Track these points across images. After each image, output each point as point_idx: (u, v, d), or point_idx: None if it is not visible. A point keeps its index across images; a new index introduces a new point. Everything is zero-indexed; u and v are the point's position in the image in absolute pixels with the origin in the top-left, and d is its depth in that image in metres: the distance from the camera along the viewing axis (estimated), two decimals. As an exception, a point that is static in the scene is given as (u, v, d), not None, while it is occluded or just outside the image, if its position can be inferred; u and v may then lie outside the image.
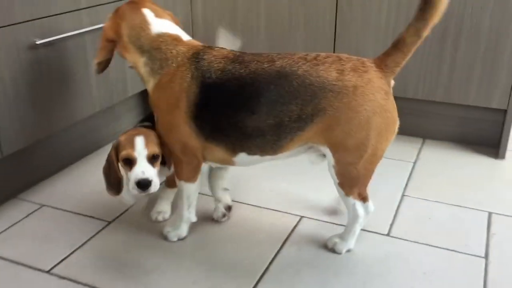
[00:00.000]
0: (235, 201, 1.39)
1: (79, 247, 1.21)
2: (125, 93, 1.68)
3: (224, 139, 1.10)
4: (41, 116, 1.37)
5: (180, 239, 1.23)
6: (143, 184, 1.06)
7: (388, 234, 1.26)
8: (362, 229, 1.26)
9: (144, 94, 1.85)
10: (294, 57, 1.07)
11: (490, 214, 1.33)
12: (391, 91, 1.07)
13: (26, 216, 1.34)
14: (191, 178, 1.17)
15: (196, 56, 1.10)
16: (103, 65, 1.21)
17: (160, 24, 1.14)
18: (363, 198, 1.13)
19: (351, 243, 1.18)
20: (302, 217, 1.33)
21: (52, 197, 1.42)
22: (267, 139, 1.08)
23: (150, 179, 1.07)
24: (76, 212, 1.35)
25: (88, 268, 1.13)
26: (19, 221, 1.31)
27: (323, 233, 1.25)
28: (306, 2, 1.70)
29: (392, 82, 1.09)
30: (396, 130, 1.09)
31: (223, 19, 1.83)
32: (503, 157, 1.63)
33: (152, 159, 1.09)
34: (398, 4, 1.59)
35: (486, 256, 1.17)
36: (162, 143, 1.12)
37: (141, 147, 1.08)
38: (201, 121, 1.09)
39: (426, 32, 1.02)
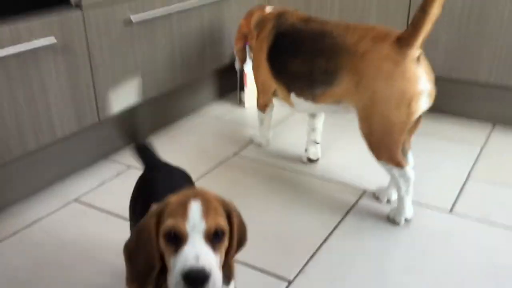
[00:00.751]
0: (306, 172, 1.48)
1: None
2: (204, 70, 1.81)
3: (283, 78, 1.36)
4: (132, 84, 1.53)
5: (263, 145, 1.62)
6: (195, 278, 0.64)
7: (450, 211, 1.30)
8: (425, 205, 1.32)
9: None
10: (342, 23, 1.25)
11: (557, 199, 1.34)
12: (408, 62, 1.11)
13: (116, 175, 1.50)
14: (263, 108, 1.55)
15: (279, 15, 1.42)
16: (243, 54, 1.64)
17: (268, 10, 1.52)
18: (397, 164, 1.17)
19: (405, 212, 1.23)
20: (365, 191, 1.40)
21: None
22: (304, 84, 1.29)
23: (207, 270, 0.65)
24: (159, 173, 1.50)
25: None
26: (110, 179, 1.48)
27: (384, 206, 1.32)
28: (381, -15, 1.74)
29: (417, 53, 1.12)
30: (412, 102, 1.12)
31: (297, 4, 1.91)
32: None
33: (213, 239, 0.69)
34: (475, -12, 1.59)
35: (549, 238, 1.19)
36: (229, 216, 0.73)
37: (197, 217, 0.68)
38: (272, 61, 1.39)
39: (432, 9, 1.06)
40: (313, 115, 1.52)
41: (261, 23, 1.49)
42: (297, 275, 1.09)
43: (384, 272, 1.09)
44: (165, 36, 1.60)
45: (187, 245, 0.66)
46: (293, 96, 1.36)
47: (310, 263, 1.12)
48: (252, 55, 1.54)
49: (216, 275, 0.66)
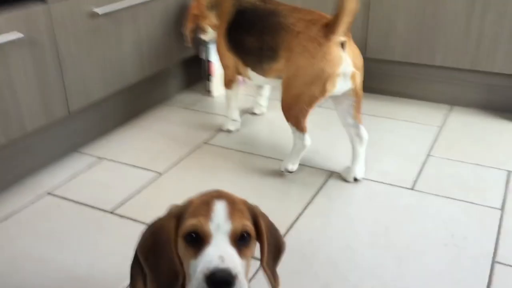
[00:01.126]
0: (277, 159, 1.53)
1: (136, 193, 1.38)
2: (171, 60, 1.83)
3: (240, 53, 1.49)
4: (100, 76, 1.54)
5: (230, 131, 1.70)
6: (220, 280, 0.58)
7: (412, 188, 1.38)
8: (388, 183, 1.39)
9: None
10: (291, 6, 1.39)
11: (509, 172, 1.43)
12: (332, 46, 1.25)
13: (88, 167, 1.52)
14: (229, 86, 1.63)
15: None
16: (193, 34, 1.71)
17: None
18: (300, 129, 1.36)
19: (289, 164, 1.42)
20: (332, 172, 1.46)
21: (109, 152, 1.60)
22: (256, 59, 1.43)
23: (233, 272, 0.58)
24: (131, 164, 1.53)
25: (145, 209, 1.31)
26: (82, 171, 1.50)
27: (351, 186, 1.39)
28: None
29: (341, 39, 1.26)
30: (327, 81, 1.26)
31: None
32: (527, 122, 1.71)
33: (239, 242, 0.63)
34: (430, -25, 1.67)
35: (502, 208, 1.28)
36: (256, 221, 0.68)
37: (222, 217, 0.63)
38: (231, 37, 1.50)
39: (348, 4, 1.21)
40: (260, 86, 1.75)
41: (219, 3, 1.59)
42: (270, 254, 1.14)
43: (351, 248, 1.15)
44: (131, 27, 1.61)
45: (211, 246, 0.60)
46: (249, 70, 1.49)
47: (282, 243, 1.17)
48: (205, 35, 1.69)
49: (243, 281, 0.58)
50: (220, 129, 1.72)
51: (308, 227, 1.23)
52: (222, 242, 0.60)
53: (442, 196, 1.33)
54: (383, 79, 1.93)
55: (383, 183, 1.40)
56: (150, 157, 1.56)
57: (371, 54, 1.85)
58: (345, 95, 1.32)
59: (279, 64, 1.36)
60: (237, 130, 1.71)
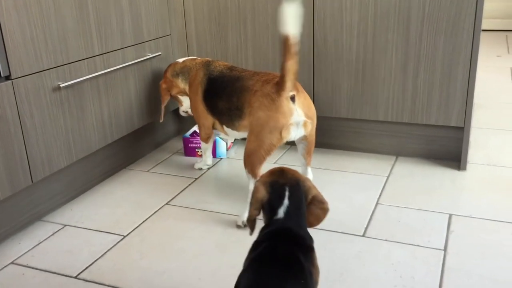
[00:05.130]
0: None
1: (100, 256, 1.42)
2: (133, 127, 1.92)
3: (215, 114, 1.69)
4: (63, 146, 1.61)
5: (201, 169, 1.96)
6: None
7: (363, 235, 1.47)
8: (340, 232, 1.48)
9: (150, 126, 2.09)
10: (252, 71, 1.63)
11: (450, 215, 1.56)
12: (283, 100, 1.45)
13: (51, 235, 1.55)
14: (206, 140, 1.86)
15: (207, 64, 1.77)
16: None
17: (182, 59, 1.90)
18: (254, 175, 1.52)
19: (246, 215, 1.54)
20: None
21: (73, 218, 1.64)
22: (227, 118, 1.64)
23: None
24: (95, 229, 1.57)
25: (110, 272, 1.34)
26: (46, 239, 1.52)
27: (308, 236, 1.47)
28: (287, 41, 1.96)
29: (290, 94, 1.46)
30: (282, 130, 1.46)
31: (217, 59, 2.09)
32: (464, 168, 1.86)
33: None
34: (365, 42, 1.86)
35: (445, 249, 1.39)
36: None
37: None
38: (207, 102, 1.71)
39: (289, 65, 1.41)
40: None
41: (186, 71, 1.83)
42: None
43: (309, 295, 1.22)
44: (93, 97, 1.70)
45: None
46: (225, 127, 1.69)
47: (243, 295, 1.23)
48: (181, 106, 1.95)
49: None
50: (196, 168, 1.95)
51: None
52: None
53: (391, 241, 1.44)
54: (332, 134, 2.08)
55: (337, 232, 1.49)
56: (114, 221, 1.60)
57: (320, 113, 2.00)
58: (299, 140, 1.56)
59: (246, 121, 1.56)
60: (209, 166, 1.97)
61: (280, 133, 1.46)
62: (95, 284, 1.30)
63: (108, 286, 1.29)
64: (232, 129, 1.66)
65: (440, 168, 1.89)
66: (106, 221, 1.61)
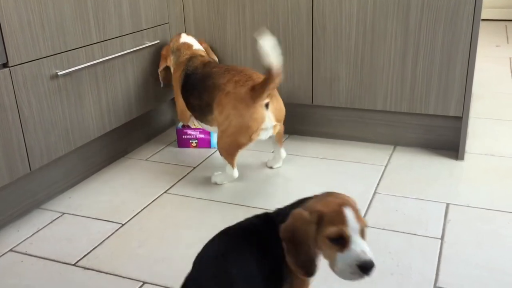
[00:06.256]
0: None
1: (99, 244, 1.42)
2: (131, 115, 1.92)
3: (190, 109, 1.78)
4: (61, 135, 1.60)
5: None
6: (369, 267, 0.88)
7: (361, 224, 1.48)
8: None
9: (149, 114, 2.09)
10: (223, 67, 1.70)
11: (448, 205, 1.57)
12: (257, 107, 1.55)
13: (50, 222, 1.55)
14: (184, 121, 1.92)
15: (189, 59, 1.83)
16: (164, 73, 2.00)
17: (184, 39, 1.94)
18: (230, 163, 1.66)
19: (218, 179, 1.73)
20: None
21: (71, 206, 1.64)
22: (200, 114, 1.73)
23: (373, 260, 0.88)
24: (93, 217, 1.57)
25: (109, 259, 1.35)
26: (44, 226, 1.53)
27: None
28: (285, 27, 1.96)
29: (265, 101, 1.58)
30: (253, 134, 1.58)
31: (215, 47, 2.08)
32: (462, 158, 1.87)
33: (362, 235, 0.92)
34: (364, 30, 1.85)
35: (442, 238, 1.40)
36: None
37: (353, 222, 0.90)
38: (184, 96, 1.79)
39: (270, 85, 1.53)
40: None
41: (177, 55, 1.89)
42: (230, 294, 1.20)
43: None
44: (91, 85, 1.70)
45: (353, 244, 0.89)
46: (200, 122, 1.79)
47: (241, 282, 1.24)
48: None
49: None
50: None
51: (266, 266, 1.30)
52: (359, 240, 0.90)
53: (388, 230, 1.44)
54: (331, 124, 2.08)
55: (334, 221, 1.50)
56: (112, 209, 1.61)
57: (318, 102, 2.00)
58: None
59: (213, 116, 1.66)
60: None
61: (250, 137, 1.59)
62: (93, 271, 1.31)
63: (107, 273, 1.30)
64: (206, 123, 1.75)
65: (438, 157, 1.90)
66: (105, 209, 1.61)
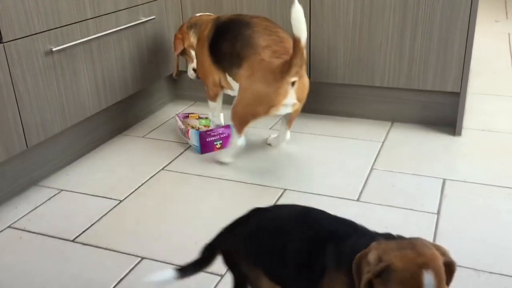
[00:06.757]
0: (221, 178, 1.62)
1: (97, 221, 1.43)
2: (127, 92, 1.90)
3: (219, 60, 1.67)
4: (57, 111, 1.59)
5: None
6: None
7: (358, 200, 1.49)
8: (336, 197, 1.50)
9: (147, 91, 2.08)
10: (263, 23, 1.61)
11: (444, 180, 1.57)
12: (284, 83, 1.50)
13: (48, 199, 1.55)
14: (214, 98, 1.83)
15: (218, 17, 1.75)
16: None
17: (200, 14, 1.89)
18: (238, 131, 1.63)
19: (222, 156, 1.71)
20: (285, 189, 1.56)
21: (69, 183, 1.64)
22: (228, 64, 1.63)
23: None
24: (91, 194, 1.57)
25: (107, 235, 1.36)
26: (42, 203, 1.53)
27: (302, 200, 1.49)
28: (283, 5, 1.93)
29: (292, 79, 1.51)
30: (272, 108, 1.53)
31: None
32: (459, 134, 1.87)
33: None
34: (362, 5, 1.83)
35: (438, 213, 1.41)
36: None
37: None
38: (212, 50, 1.69)
39: (296, 60, 1.46)
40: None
41: (198, 25, 1.80)
42: (227, 270, 1.21)
43: (303, 257, 1.24)
44: (86, 62, 1.68)
45: None
46: (227, 76, 1.68)
47: (239, 257, 1.25)
48: (194, 54, 1.87)
49: None
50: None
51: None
52: None
53: (385, 205, 1.45)
54: (328, 100, 2.07)
55: (331, 196, 1.51)
56: (110, 186, 1.61)
57: (316, 78, 1.99)
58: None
59: (241, 72, 1.58)
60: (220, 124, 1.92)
61: (269, 109, 1.54)
62: (92, 247, 1.31)
63: (105, 249, 1.30)
64: (233, 78, 1.65)
65: (435, 133, 1.90)
66: (102, 186, 1.61)
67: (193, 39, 1.84)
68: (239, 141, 1.66)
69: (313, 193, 1.53)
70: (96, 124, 1.86)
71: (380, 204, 1.46)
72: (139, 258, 1.27)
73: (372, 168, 1.66)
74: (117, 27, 1.79)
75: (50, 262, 1.26)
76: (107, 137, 1.93)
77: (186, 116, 1.96)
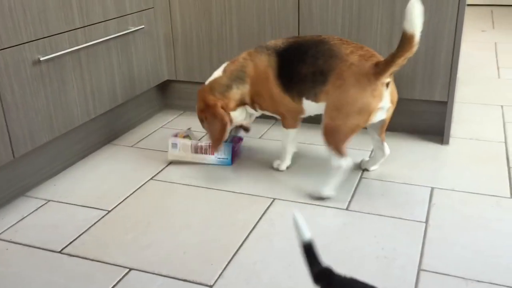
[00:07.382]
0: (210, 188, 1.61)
1: (84, 231, 1.42)
2: (116, 102, 1.90)
3: (296, 86, 1.54)
4: (45, 121, 1.58)
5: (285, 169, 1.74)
6: None
7: (347, 209, 1.49)
8: (325, 206, 1.50)
9: (134, 101, 2.07)
10: (333, 36, 1.54)
11: (432, 189, 1.58)
12: (379, 84, 1.41)
13: (35, 210, 1.54)
14: (294, 125, 1.68)
15: (259, 48, 1.62)
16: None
17: (218, 71, 1.68)
18: (340, 153, 1.49)
19: (326, 189, 1.53)
20: (274, 199, 1.56)
21: (56, 193, 1.63)
22: (310, 86, 1.51)
23: None
24: (79, 204, 1.56)
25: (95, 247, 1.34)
26: (29, 214, 1.51)
27: (291, 210, 1.48)
28: (271, 11, 1.94)
29: (387, 80, 1.43)
30: (372, 113, 1.44)
31: (201, 31, 2.06)
32: (447, 142, 1.88)
33: None
34: (350, 17, 1.84)
35: (426, 221, 1.41)
36: None
37: None
38: (282, 79, 1.56)
39: (399, 60, 1.37)
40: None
41: (240, 72, 1.62)
42: (217, 279, 1.21)
43: (294, 269, 1.24)
44: (74, 71, 1.67)
45: None
46: (304, 100, 1.55)
47: (228, 268, 1.25)
48: (259, 102, 1.64)
49: None
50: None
51: (253, 251, 1.31)
52: None
53: (374, 214, 1.45)
54: (317, 109, 2.07)
55: (321, 205, 1.51)
56: (98, 196, 1.60)
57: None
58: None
59: (327, 87, 1.48)
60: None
61: (369, 116, 1.44)
62: (79, 258, 1.30)
63: (93, 260, 1.29)
64: (312, 100, 1.53)
65: (423, 142, 1.91)
66: (90, 196, 1.60)
67: (241, 92, 1.64)
68: (344, 163, 1.50)
69: (302, 202, 1.53)
70: (84, 133, 1.85)
71: (369, 213, 1.46)
72: (127, 269, 1.25)
73: (361, 177, 1.67)
74: (106, 36, 1.78)
75: (37, 273, 1.24)
76: (95, 146, 1.92)
77: (176, 135, 1.86)
